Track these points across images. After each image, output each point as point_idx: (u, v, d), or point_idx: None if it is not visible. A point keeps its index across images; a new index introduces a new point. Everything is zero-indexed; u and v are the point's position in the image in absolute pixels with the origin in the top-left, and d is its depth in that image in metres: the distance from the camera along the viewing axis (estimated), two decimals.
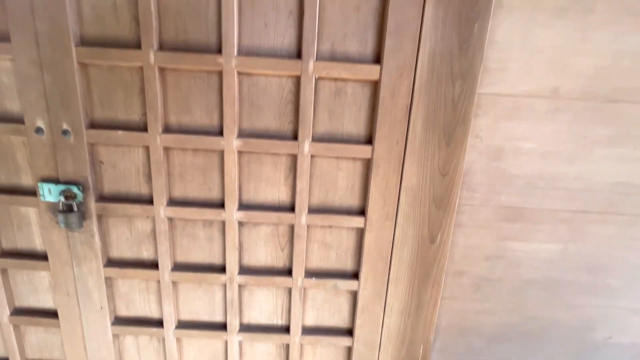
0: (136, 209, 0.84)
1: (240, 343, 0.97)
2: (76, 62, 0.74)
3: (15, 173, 0.85)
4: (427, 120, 0.77)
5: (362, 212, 0.85)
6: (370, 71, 0.74)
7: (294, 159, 0.81)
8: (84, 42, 0.75)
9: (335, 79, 0.77)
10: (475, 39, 0.71)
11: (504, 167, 0.81)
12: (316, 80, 0.76)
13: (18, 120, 0.80)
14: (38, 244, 0.90)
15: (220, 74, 0.76)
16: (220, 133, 0.79)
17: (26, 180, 0.85)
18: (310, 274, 0.90)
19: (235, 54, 0.74)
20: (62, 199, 0.81)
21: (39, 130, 0.79)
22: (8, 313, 0.94)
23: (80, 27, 0.74)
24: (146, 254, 0.90)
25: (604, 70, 0.74)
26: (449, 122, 0.77)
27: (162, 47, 0.75)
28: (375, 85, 0.76)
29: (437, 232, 0.84)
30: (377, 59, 0.75)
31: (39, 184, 0.82)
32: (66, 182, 0.82)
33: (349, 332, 0.95)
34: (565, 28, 0.72)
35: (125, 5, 0.73)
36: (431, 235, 0.84)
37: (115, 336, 0.96)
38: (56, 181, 0.82)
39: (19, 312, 0.95)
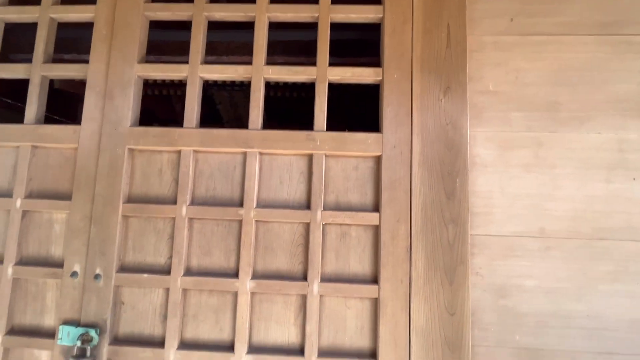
0: (147, 352, 0.84)
1: None
2: (120, 216, 0.88)
3: (41, 314, 0.90)
4: (428, 260, 0.82)
5: (373, 354, 0.83)
6: (371, 218, 0.85)
7: (303, 298, 0.85)
8: (130, 199, 0.90)
9: (341, 224, 0.87)
10: (459, 190, 0.83)
11: (511, 305, 0.82)
12: (323, 226, 0.86)
13: (58, 264, 0.90)
14: None
15: (240, 222, 0.87)
16: (236, 275, 0.86)
17: (49, 321, 0.89)
18: None
19: (255, 206, 0.87)
20: (79, 343, 0.83)
21: (74, 274, 0.87)
22: None
23: (130, 188, 0.91)
24: None
25: (582, 212, 0.83)
26: (448, 262, 0.82)
27: (193, 201, 0.89)
28: (377, 229, 0.86)
29: None
30: (376, 208, 0.86)
31: (60, 327, 0.85)
32: (86, 325, 0.85)
33: None
34: (535, 179, 0.84)
35: (169, 171, 0.90)
36: None
37: None
38: (77, 324, 0.86)
39: None
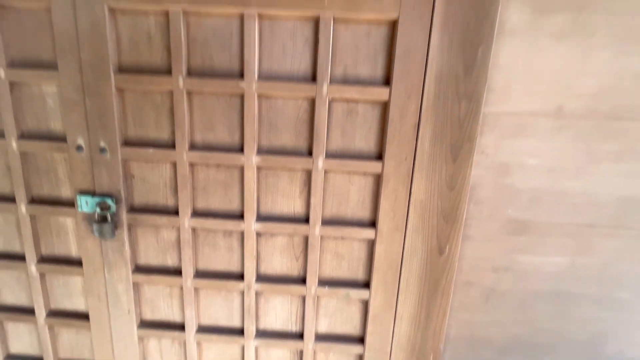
0: (163, 219, 0.91)
1: (256, 348, 1.01)
2: (114, 87, 0.83)
3: (57, 186, 0.94)
4: (435, 138, 0.81)
5: (372, 224, 0.90)
6: (380, 93, 0.80)
7: (308, 173, 0.87)
8: (122, 69, 0.83)
9: (348, 100, 0.82)
10: (480, 62, 0.76)
11: (510, 182, 0.84)
12: (329, 101, 0.82)
13: (61, 138, 0.89)
14: (73, 251, 0.98)
15: (241, 96, 0.83)
16: (241, 150, 0.86)
17: (65, 192, 0.94)
18: (324, 282, 0.95)
19: (256, 78, 0.81)
20: (98, 210, 0.89)
21: (79, 148, 0.87)
22: (44, 315, 1.02)
23: (119, 56, 0.83)
24: (170, 261, 0.97)
25: (607, 89, 0.77)
26: (455, 140, 0.81)
27: (190, 72, 0.83)
28: (385, 106, 0.82)
29: (445, 244, 0.87)
30: (387, 81, 0.80)
31: (78, 196, 0.90)
32: (101, 195, 0.90)
33: (361, 340, 0.99)
34: (567, 51, 0.76)
35: (158, 37, 0.81)
36: (440, 246, 0.88)
37: (140, 339, 1.03)
38: (92, 193, 0.90)
39: (54, 314, 1.03)
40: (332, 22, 0.77)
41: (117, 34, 0.81)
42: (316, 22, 0.78)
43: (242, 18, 0.78)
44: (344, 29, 0.78)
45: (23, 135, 0.90)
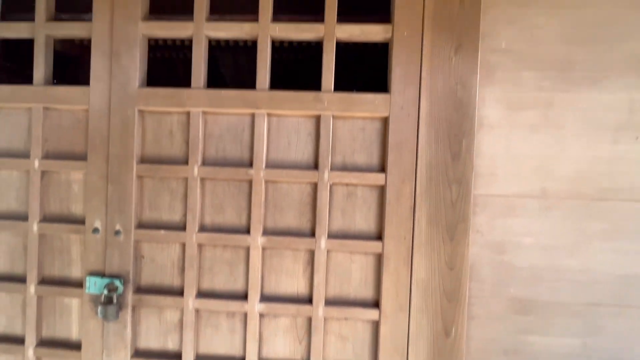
0: (167, 300, 0.92)
1: None
2: (135, 176, 0.91)
3: (68, 266, 0.97)
4: (431, 219, 0.86)
5: (376, 304, 0.90)
6: (377, 178, 0.87)
7: (311, 253, 0.90)
8: (143, 160, 0.93)
9: (347, 184, 0.89)
10: (465, 151, 0.84)
11: (508, 260, 0.86)
12: (330, 186, 0.89)
13: (80, 221, 0.95)
14: (74, 334, 0.97)
15: (250, 182, 0.90)
16: (247, 231, 0.91)
17: (76, 272, 0.96)
18: None
19: (264, 167, 0.89)
20: (106, 291, 0.91)
21: (95, 230, 0.93)
22: None
23: (142, 149, 0.93)
24: (171, 344, 0.95)
25: (585, 173, 0.84)
26: (450, 220, 0.85)
27: (204, 162, 0.92)
28: (382, 189, 0.88)
29: (451, 325, 0.86)
30: (382, 168, 0.88)
31: (87, 277, 0.92)
32: (111, 276, 0.92)
33: None
34: (542, 140, 0.85)
35: (179, 132, 0.92)
36: (446, 328, 0.86)
37: None
38: (102, 274, 0.93)
39: None
40: (331, 119, 0.88)
41: (143, 131, 0.93)
42: (317, 119, 0.89)
43: (253, 116, 0.90)
44: (341, 124, 0.89)
45: (45, 218, 0.97)
